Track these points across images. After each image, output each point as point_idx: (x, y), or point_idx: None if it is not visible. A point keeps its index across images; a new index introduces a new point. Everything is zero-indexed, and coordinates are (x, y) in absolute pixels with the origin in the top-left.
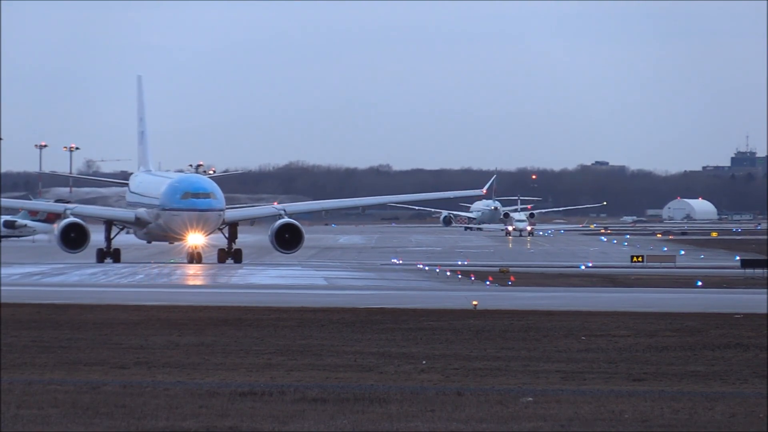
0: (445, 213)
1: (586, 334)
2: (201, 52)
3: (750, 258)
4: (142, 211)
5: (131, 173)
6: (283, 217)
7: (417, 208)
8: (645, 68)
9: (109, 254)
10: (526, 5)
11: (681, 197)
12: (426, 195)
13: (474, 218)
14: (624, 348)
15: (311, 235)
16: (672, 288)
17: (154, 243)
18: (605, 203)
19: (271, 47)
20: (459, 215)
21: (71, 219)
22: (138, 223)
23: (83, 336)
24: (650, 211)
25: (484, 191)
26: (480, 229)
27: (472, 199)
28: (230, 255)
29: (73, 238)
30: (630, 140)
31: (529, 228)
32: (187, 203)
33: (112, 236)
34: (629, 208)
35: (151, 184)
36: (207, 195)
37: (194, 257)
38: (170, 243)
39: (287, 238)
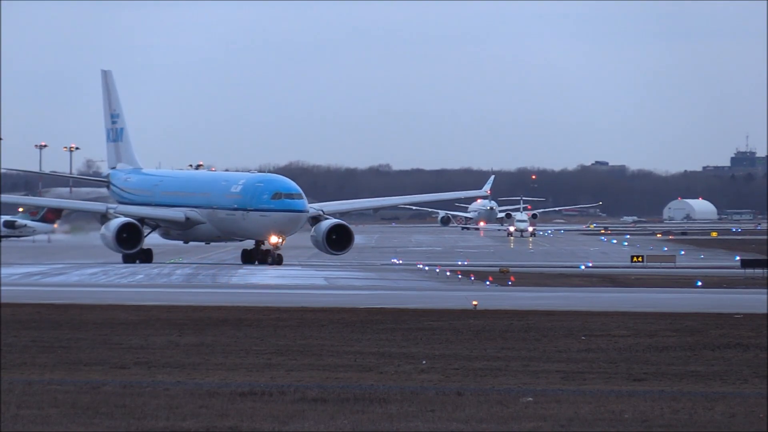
0: (442, 213)
1: (586, 334)
2: (201, 52)
3: (750, 258)
4: (192, 212)
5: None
6: (323, 217)
7: (415, 208)
8: (645, 68)
9: (139, 255)
10: (526, 5)
11: (681, 197)
12: (447, 194)
13: (471, 218)
14: (624, 348)
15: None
16: (672, 288)
17: (191, 243)
18: (600, 203)
19: (272, 47)
20: (457, 215)
21: (125, 219)
22: (186, 224)
23: (83, 336)
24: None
25: (488, 191)
26: (477, 229)
27: (472, 200)
28: (267, 256)
29: (125, 238)
30: (630, 140)
31: (530, 229)
32: (280, 204)
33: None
34: (629, 208)
35: (190, 182)
36: (299, 196)
37: (274, 259)
38: (207, 243)
39: (335, 239)
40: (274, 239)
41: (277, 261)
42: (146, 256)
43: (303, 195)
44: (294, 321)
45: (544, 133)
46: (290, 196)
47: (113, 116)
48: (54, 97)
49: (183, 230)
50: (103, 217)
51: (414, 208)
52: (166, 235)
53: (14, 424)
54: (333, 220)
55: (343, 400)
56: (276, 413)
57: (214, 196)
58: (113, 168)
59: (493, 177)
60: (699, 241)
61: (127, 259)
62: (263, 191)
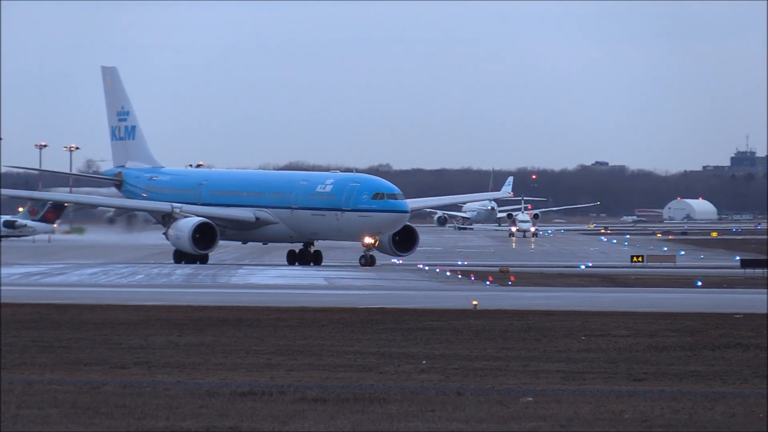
0: (439, 213)
1: (586, 334)
2: (201, 52)
3: (750, 258)
4: (262, 212)
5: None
6: None
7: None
8: (645, 68)
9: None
10: (527, 5)
11: (681, 197)
12: (473, 195)
13: (468, 218)
14: (624, 348)
15: None
16: (672, 288)
17: (249, 243)
18: (599, 203)
19: (272, 47)
20: (455, 215)
21: (200, 219)
22: (255, 224)
23: (83, 336)
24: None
25: (511, 192)
26: (471, 228)
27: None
28: (307, 256)
29: (198, 238)
30: (630, 140)
31: (532, 229)
32: (383, 204)
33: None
34: (629, 208)
35: (252, 181)
36: (401, 196)
37: (367, 260)
38: (264, 244)
39: (399, 240)
40: (368, 240)
41: (370, 262)
42: (203, 258)
43: (403, 195)
44: (294, 321)
45: (544, 133)
46: (393, 196)
47: (120, 113)
48: (54, 96)
49: (249, 230)
50: (167, 217)
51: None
52: (221, 235)
53: (14, 424)
54: None
55: (343, 400)
56: (276, 413)
57: (293, 196)
58: (120, 166)
59: (511, 178)
60: (699, 241)
61: (182, 259)
62: (361, 191)
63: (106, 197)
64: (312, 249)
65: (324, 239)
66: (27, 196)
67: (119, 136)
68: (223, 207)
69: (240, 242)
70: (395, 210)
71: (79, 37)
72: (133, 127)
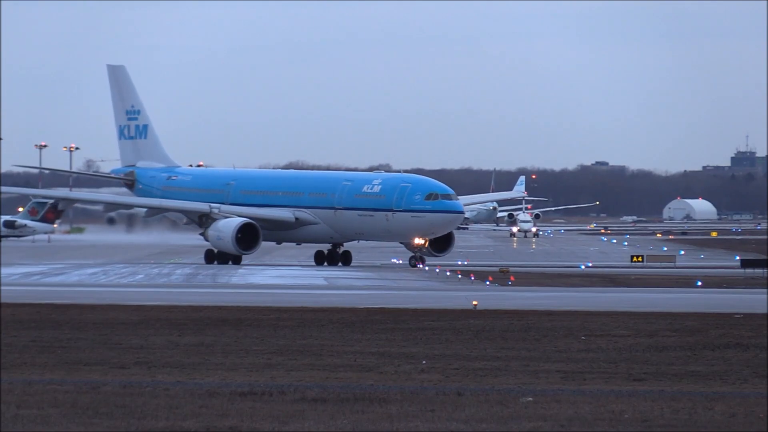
0: None
1: (586, 334)
2: (201, 52)
3: (750, 258)
4: (301, 212)
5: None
6: None
7: None
8: (645, 68)
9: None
10: (527, 5)
11: (681, 197)
12: (487, 195)
13: (468, 218)
14: (624, 348)
15: None
16: (672, 288)
17: (284, 244)
18: (597, 203)
19: (272, 47)
20: None
21: (244, 219)
22: (294, 225)
23: (83, 336)
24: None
25: (525, 192)
26: (466, 228)
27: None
28: (336, 257)
29: (240, 238)
30: (630, 140)
31: (533, 229)
32: (438, 205)
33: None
34: (629, 208)
35: (289, 181)
36: (455, 196)
37: (418, 261)
38: (297, 244)
39: (434, 240)
40: (419, 241)
41: (420, 261)
42: (235, 258)
43: (456, 195)
44: (294, 321)
45: (544, 133)
46: (447, 196)
47: (130, 112)
48: (54, 96)
49: (286, 231)
50: (205, 218)
51: None
52: None
53: (14, 424)
54: None
55: (343, 400)
56: (276, 413)
57: (337, 196)
58: (129, 165)
59: (523, 177)
60: (699, 241)
61: (215, 259)
62: (413, 191)
63: (138, 198)
64: (341, 250)
65: (369, 240)
66: (56, 196)
67: (129, 135)
68: (255, 207)
69: (274, 243)
70: (450, 210)
71: (78, 37)
72: (145, 126)
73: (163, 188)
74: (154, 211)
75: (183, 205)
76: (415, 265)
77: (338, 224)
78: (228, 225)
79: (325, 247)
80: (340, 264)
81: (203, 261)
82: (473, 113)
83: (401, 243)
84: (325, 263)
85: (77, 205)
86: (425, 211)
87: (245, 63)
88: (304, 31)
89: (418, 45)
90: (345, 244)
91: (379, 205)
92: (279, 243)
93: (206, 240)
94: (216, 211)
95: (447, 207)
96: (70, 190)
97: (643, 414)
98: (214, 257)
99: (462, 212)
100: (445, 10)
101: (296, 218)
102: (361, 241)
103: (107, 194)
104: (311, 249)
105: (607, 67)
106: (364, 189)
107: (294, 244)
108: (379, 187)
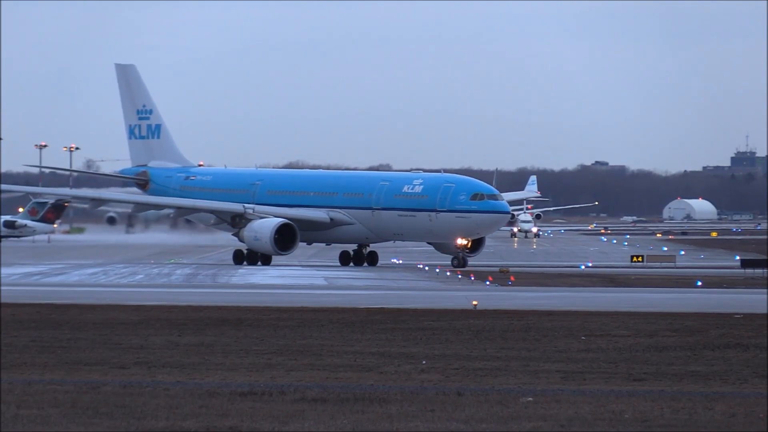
0: None
1: (586, 334)
2: (202, 52)
3: (750, 258)
4: (336, 212)
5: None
6: None
7: None
8: (645, 68)
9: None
10: (527, 5)
11: (681, 197)
12: (509, 195)
13: None
14: (624, 348)
15: None
16: (672, 288)
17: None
18: (597, 203)
19: (272, 47)
20: None
21: (282, 220)
22: (329, 225)
23: (83, 336)
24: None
25: (538, 192)
26: None
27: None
28: (362, 258)
29: (277, 239)
30: (630, 140)
31: (534, 229)
32: (483, 205)
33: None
34: (629, 208)
35: (323, 181)
36: (501, 196)
37: (459, 261)
38: (327, 245)
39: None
40: (461, 241)
41: (462, 263)
42: (265, 259)
43: (501, 195)
44: (294, 321)
45: (544, 133)
46: (493, 197)
47: (141, 112)
48: (54, 96)
49: (319, 231)
50: (238, 218)
51: None
52: None
53: (14, 424)
54: None
55: (343, 400)
56: (276, 413)
57: (374, 196)
58: (140, 165)
59: (534, 177)
60: (699, 241)
61: (245, 260)
62: (458, 192)
63: (169, 198)
64: (366, 250)
65: (408, 240)
66: (83, 196)
67: (140, 134)
68: (285, 207)
69: (305, 243)
70: (496, 211)
71: (78, 37)
72: (158, 126)
73: (181, 188)
74: (183, 212)
75: (215, 206)
76: (458, 266)
77: (376, 225)
78: (266, 225)
79: (351, 248)
80: (365, 264)
81: (231, 261)
82: (473, 113)
83: (429, 243)
84: (351, 264)
85: (102, 207)
86: (471, 212)
87: (245, 63)
88: (304, 31)
89: (418, 45)
90: (371, 245)
91: (422, 205)
92: (310, 243)
93: (240, 241)
94: (250, 211)
95: (493, 207)
96: (70, 190)
97: (643, 414)
98: (243, 257)
99: (508, 212)
100: (445, 10)
101: (331, 219)
102: (372, 243)
103: (136, 195)
104: (312, 249)
105: (606, 67)
106: (405, 189)
107: (324, 244)
108: (421, 187)
